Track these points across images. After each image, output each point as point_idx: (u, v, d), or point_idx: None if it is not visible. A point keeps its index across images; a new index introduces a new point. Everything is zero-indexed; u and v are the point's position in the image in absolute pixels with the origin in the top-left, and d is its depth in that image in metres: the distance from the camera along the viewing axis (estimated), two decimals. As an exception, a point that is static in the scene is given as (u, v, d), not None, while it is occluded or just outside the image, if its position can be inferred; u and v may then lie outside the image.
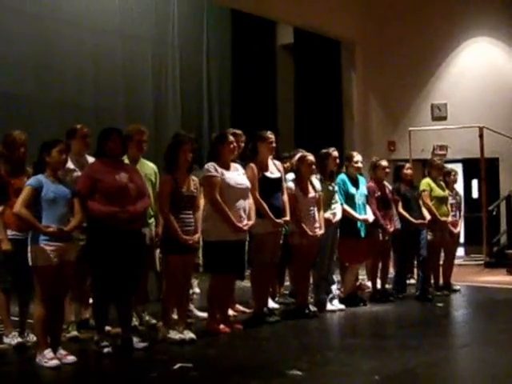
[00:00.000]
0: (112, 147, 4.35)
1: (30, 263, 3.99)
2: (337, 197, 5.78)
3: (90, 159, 4.77)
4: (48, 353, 3.97)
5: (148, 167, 5.07)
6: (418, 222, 6.38)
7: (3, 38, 7.84)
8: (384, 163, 6.37)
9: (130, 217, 4.24)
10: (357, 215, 5.86)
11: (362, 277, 6.88)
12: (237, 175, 4.88)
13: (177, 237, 4.47)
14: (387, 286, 6.53)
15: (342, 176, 5.95)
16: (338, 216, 5.72)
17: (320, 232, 5.45)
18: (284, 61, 11.90)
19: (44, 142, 4.17)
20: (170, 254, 4.57)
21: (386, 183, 6.42)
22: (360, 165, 6.02)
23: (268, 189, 5.14)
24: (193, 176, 4.69)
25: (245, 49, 10.94)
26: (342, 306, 5.78)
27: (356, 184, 5.97)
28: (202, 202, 4.84)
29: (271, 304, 5.63)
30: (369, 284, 6.85)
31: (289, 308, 5.75)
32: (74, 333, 4.63)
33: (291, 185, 5.44)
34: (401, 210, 6.38)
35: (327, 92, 11.07)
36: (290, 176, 5.61)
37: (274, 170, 5.28)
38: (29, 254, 3.99)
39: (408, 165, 6.74)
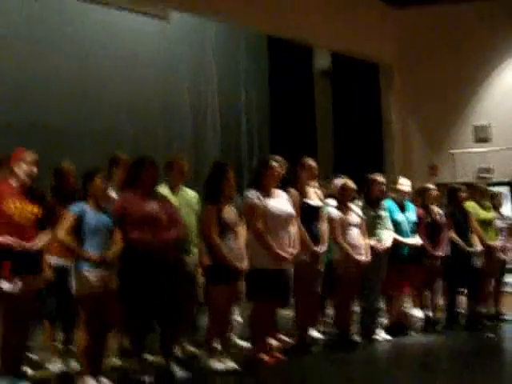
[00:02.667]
0: (144, 178, 4.32)
1: (74, 291, 4.00)
2: (386, 223, 5.64)
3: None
4: (89, 380, 3.94)
5: (190, 194, 5.05)
6: (470, 249, 6.16)
7: (43, 70, 8.06)
8: (432, 187, 6.21)
9: (162, 245, 4.19)
10: (405, 240, 5.72)
11: (408, 305, 6.67)
12: (281, 203, 4.80)
13: (227, 263, 4.39)
14: (435, 314, 6.29)
15: (388, 202, 5.82)
16: (387, 244, 5.58)
17: (365, 259, 5.32)
18: (322, 86, 11.87)
19: (87, 170, 4.21)
20: (216, 283, 4.49)
21: (435, 207, 6.22)
22: (407, 189, 5.89)
23: (307, 216, 5.05)
24: (233, 208, 4.64)
25: (282, 75, 10.97)
26: (388, 337, 5.59)
27: (403, 210, 5.83)
28: (243, 230, 4.77)
29: (314, 333, 5.50)
30: (414, 313, 6.63)
31: (332, 338, 5.60)
32: (117, 361, 4.59)
33: (332, 210, 5.35)
34: (453, 234, 6.16)
35: (366, 116, 10.97)
36: (331, 202, 5.52)
37: (314, 197, 5.20)
38: (72, 283, 4.00)
39: (464, 187, 6.51)
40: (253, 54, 11.04)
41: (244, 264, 4.51)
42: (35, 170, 4.02)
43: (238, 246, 4.54)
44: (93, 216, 4.05)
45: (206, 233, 4.52)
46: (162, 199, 4.46)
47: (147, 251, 4.14)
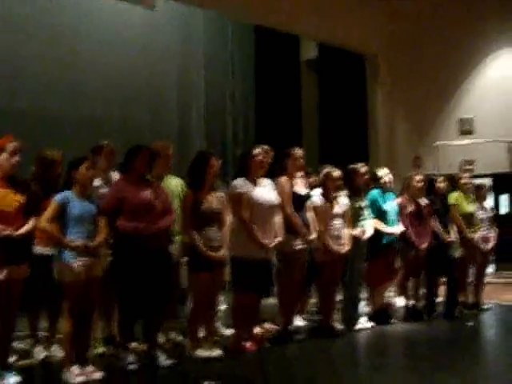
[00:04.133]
0: (139, 165, 4.35)
1: (57, 279, 4.00)
2: (366, 213, 5.71)
3: (115, 175, 4.78)
4: (75, 369, 3.97)
5: (174, 183, 5.05)
6: (448, 239, 6.24)
7: (31, 57, 7.98)
8: (417, 177, 6.27)
9: (156, 232, 4.23)
10: (384, 227, 5.76)
11: (390, 293, 6.75)
12: (266, 191, 4.84)
13: (201, 253, 4.44)
14: (418, 303, 6.38)
15: (375, 192, 5.86)
16: (369, 233, 5.64)
17: (345, 249, 5.37)
18: (308, 76, 11.89)
19: (72, 158, 4.19)
20: (196, 271, 4.53)
21: (420, 198, 6.26)
22: (387, 179, 5.93)
23: (296, 205, 5.08)
24: (219, 192, 4.66)
25: (269, 64, 10.96)
26: (370, 324, 5.67)
27: (387, 199, 5.88)
28: (228, 217, 4.80)
29: (298, 321, 5.55)
30: (396, 301, 6.72)
31: (315, 325, 5.66)
32: (102, 349, 4.61)
33: (316, 199, 5.38)
34: (435, 223, 6.23)
35: (352, 106, 11.01)
36: (317, 191, 5.55)
37: (301, 186, 5.23)
38: (55, 270, 4.00)
39: (441, 178, 6.59)
40: (239, 43, 11.01)
41: (220, 253, 4.52)
42: (17, 159, 4.00)
43: (220, 234, 4.55)
44: (77, 204, 4.05)
45: (182, 222, 4.55)
46: (156, 187, 4.47)
47: (141, 239, 4.16)
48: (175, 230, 4.81)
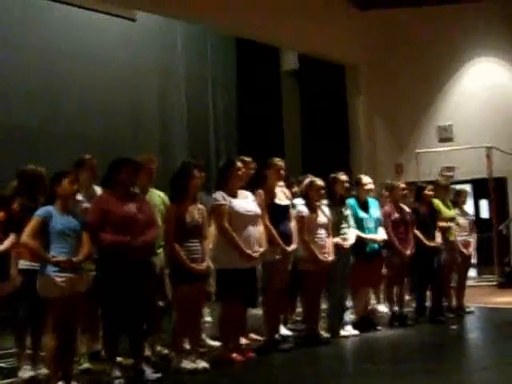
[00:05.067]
0: (124, 179, 4.34)
1: (40, 294, 3.98)
2: (349, 221, 5.75)
3: (98, 190, 4.77)
4: (60, 385, 3.93)
5: (157, 196, 5.06)
6: (431, 244, 6.31)
7: (10, 71, 7.96)
8: (402, 185, 6.34)
9: (140, 246, 4.23)
10: (363, 235, 5.81)
11: (374, 301, 6.81)
12: (246, 202, 4.87)
13: (183, 265, 4.44)
14: (402, 309, 6.43)
15: (351, 200, 5.93)
16: (351, 241, 5.69)
17: (329, 258, 5.41)
18: (289, 86, 11.98)
19: (55, 173, 4.18)
20: (179, 284, 4.53)
21: (403, 205, 6.34)
22: (370, 187, 6.00)
23: (277, 216, 5.12)
24: (199, 205, 4.68)
25: (250, 75, 11.04)
26: (356, 332, 5.71)
27: (366, 208, 5.95)
28: (211, 229, 4.82)
29: (283, 331, 5.57)
30: (381, 308, 6.78)
31: (301, 335, 5.68)
32: (86, 365, 4.59)
33: (302, 209, 5.42)
34: (416, 231, 6.29)
35: (333, 116, 11.11)
36: (300, 201, 5.59)
37: (282, 197, 5.27)
38: (38, 285, 3.98)
39: (430, 186, 6.63)
40: (220, 54, 11.07)
41: (203, 265, 4.53)
42: None
43: (202, 246, 4.57)
44: (59, 219, 4.02)
45: (165, 234, 4.56)
46: (140, 200, 4.46)
47: (125, 253, 4.15)
48: (158, 242, 4.82)
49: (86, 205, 4.63)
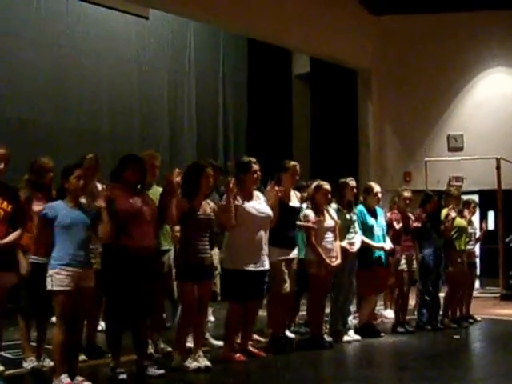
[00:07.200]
0: (128, 176, 4.36)
1: (48, 288, 4.01)
2: (356, 226, 5.76)
3: (99, 186, 4.82)
4: (64, 378, 3.95)
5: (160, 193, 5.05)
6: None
7: (21, 67, 8.02)
8: (406, 194, 6.32)
9: (148, 246, 4.23)
10: (372, 243, 5.82)
11: (379, 307, 6.80)
12: (258, 204, 4.88)
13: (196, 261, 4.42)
14: (405, 316, 6.42)
15: (360, 207, 5.93)
16: (357, 246, 5.69)
17: (337, 262, 5.42)
18: (300, 90, 12.01)
19: (64, 167, 4.21)
20: (185, 281, 4.55)
21: (408, 213, 6.32)
22: (380, 196, 6.00)
23: (289, 218, 5.13)
24: (211, 203, 4.69)
25: (261, 77, 11.07)
26: (358, 337, 5.71)
27: (374, 215, 5.95)
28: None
29: (287, 333, 5.57)
30: (385, 314, 6.77)
31: (304, 338, 5.69)
32: (82, 356, 4.58)
33: (308, 213, 5.43)
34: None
35: (343, 121, 11.11)
36: (307, 205, 5.60)
37: (295, 200, 5.29)
38: (47, 279, 4.01)
39: (435, 195, 6.60)
40: (232, 56, 11.11)
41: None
42: (2, 166, 4.01)
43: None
44: (68, 213, 4.05)
45: (169, 221, 4.52)
46: (144, 195, 4.47)
47: (133, 253, 4.16)
48: (166, 240, 4.83)
49: (83, 200, 4.64)
